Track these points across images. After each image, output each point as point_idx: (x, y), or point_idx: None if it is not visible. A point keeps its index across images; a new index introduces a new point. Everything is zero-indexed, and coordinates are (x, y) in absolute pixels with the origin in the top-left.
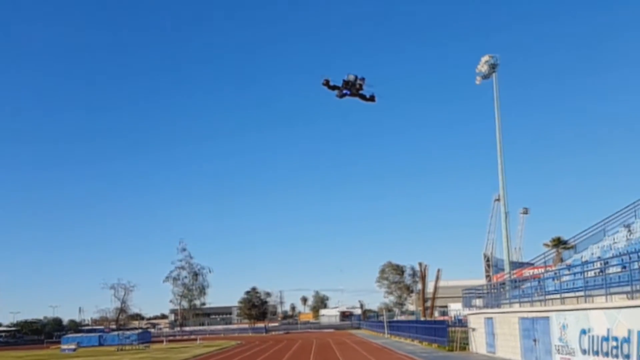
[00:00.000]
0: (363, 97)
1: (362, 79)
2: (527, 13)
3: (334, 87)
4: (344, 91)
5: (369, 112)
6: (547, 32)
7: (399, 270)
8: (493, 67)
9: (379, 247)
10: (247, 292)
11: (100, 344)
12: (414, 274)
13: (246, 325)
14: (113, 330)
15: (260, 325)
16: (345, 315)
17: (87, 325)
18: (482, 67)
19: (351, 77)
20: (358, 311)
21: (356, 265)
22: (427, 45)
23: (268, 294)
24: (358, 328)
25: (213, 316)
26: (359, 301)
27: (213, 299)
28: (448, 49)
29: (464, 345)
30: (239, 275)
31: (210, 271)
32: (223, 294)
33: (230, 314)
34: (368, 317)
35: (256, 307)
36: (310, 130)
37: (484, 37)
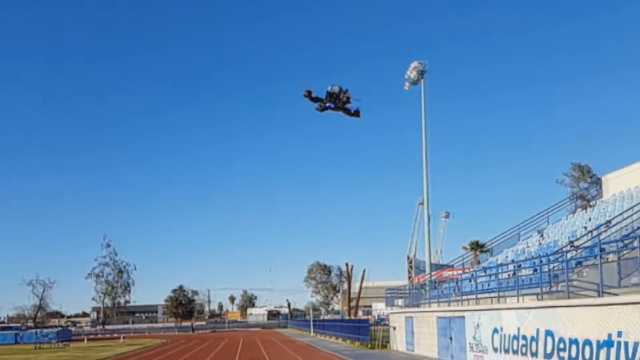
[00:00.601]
0: (347, 111)
1: (347, 91)
2: (459, 22)
3: (316, 99)
4: (327, 104)
5: (301, 111)
6: (477, 44)
7: (327, 270)
8: (421, 73)
9: (308, 247)
10: (174, 291)
11: (17, 342)
12: (340, 274)
13: (172, 324)
14: (30, 328)
15: (187, 324)
16: (272, 315)
17: (3, 322)
18: (411, 73)
19: (335, 89)
20: (285, 310)
21: (285, 265)
22: (358, 47)
23: (195, 293)
24: (285, 327)
25: (138, 315)
26: (287, 300)
27: (138, 297)
28: (379, 52)
29: (385, 343)
30: (166, 273)
31: (135, 268)
32: (149, 292)
33: (156, 312)
34: (295, 316)
35: (183, 305)
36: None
37: (414, 43)
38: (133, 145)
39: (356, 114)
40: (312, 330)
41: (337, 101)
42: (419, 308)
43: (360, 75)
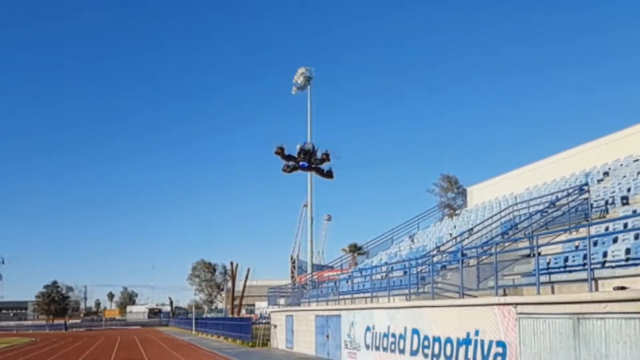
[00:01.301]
0: (321, 171)
1: (327, 151)
2: (347, 29)
3: (289, 157)
4: (301, 163)
5: (176, 111)
6: (359, 56)
7: (211, 268)
8: (308, 79)
9: (193, 245)
10: (47, 286)
11: None
12: (225, 273)
13: (43, 322)
14: None
15: (60, 321)
16: (153, 312)
17: None
18: (298, 79)
19: (309, 146)
20: (167, 308)
21: (168, 262)
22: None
23: (70, 289)
24: (166, 325)
25: (5, 311)
26: (169, 298)
27: (6, 293)
28: (267, 56)
29: (266, 341)
30: (39, 268)
31: (3, 262)
32: (18, 287)
33: (26, 309)
34: (177, 315)
35: (56, 302)
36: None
37: (302, 48)
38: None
39: (329, 174)
40: (194, 328)
41: (312, 160)
42: (299, 307)
43: (249, 77)
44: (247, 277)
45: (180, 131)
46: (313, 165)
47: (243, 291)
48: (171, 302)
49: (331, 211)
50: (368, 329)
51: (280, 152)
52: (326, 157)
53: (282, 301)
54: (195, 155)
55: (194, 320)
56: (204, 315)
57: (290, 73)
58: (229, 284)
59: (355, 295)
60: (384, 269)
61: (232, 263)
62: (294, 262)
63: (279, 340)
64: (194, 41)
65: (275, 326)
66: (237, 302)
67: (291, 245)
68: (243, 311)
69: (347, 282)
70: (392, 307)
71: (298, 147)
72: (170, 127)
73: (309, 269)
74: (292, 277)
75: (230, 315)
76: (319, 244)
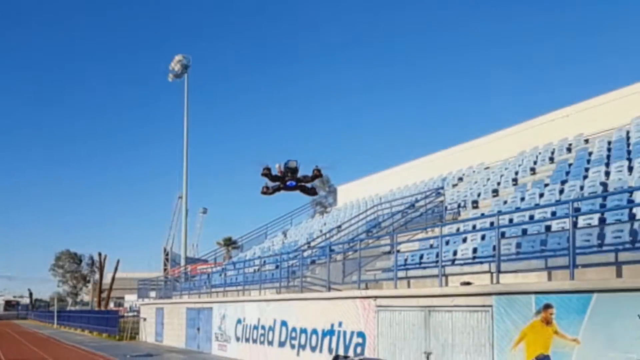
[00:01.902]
0: (306, 189)
1: (319, 169)
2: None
3: (276, 178)
4: (288, 183)
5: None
6: (239, 48)
7: (77, 259)
8: (185, 67)
9: (56, 234)
10: None
11: None
12: (92, 264)
13: None
14: None
15: None
16: (10, 305)
17: None
18: (175, 66)
19: (293, 164)
20: (26, 300)
21: (29, 252)
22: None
23: None
24: (25, 318)
25: None
26: (28, 290)
27: None
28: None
29: (134, 335)
30: None
31: None
32: None
33: None
34: (37, 307)
35: None
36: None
37: (179, 35)
38: None
39: (313, 191)
40: (56, 321)
41: (301, 178)
42: (170, 299)
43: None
44: (116, 269)
45: (50, 112)
46: (300, 184)
47: (111, 283)
48: (30, 294)
49: (208, 204)
50: (239, 321)
51: (268, 173)
52: (318, 173)
53: (153, 294)
54: (62, 140)
55: (55, 313)
56: (68, 308)
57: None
58: (96, 276)
59: (227, 289)
60: (256, 262)
61: (99, 254)
62: (167, 255)
63: (148, 334)
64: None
65: (144, 319)
66: (104, 294)
67: (164, 238)
68: (111, 304)
69: (220, 275)
70: (263, 300)
71: (277, 166)
72: (36, 110)
73: (182, 262)
74: (165, 269)
75: (96, 308)
76: (193, 237)
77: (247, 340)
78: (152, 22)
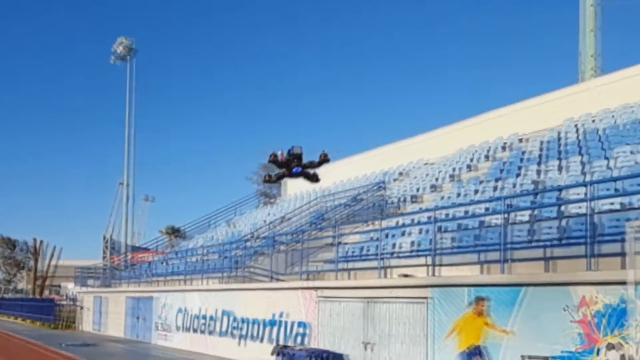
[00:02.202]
0: (309, 176)
1: (326, 154)
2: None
3: (282, 164)
4: (294, 169)
5: None
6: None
7: (11, 244)
8: (129, 50)
9: None
10: None
11: None
12: (27, 250)
13: None
14: None
15: None
16: None
17: None
18: (118, 48)
19: (298, 150)
20: None
21: None
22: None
23: None
24: None
25: None
26: None
27: None
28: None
29: (71, 323)
30: None
31: None
32: None
33: None
34: None
35: None
36: None
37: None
38: None
39: (316, 178)
40: None
41: (309, 164)
42: (111, 288)
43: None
44: (52, 256)
45: None
46: (305, 171)
47: (47, 271)
48: None
49: (152, 192)
50: (180, 310)
51: (275, 159)
52: (325, 158)
53: (92, 282)
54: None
55: None
56: (1, 296)
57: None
58: (32, 263)
59: (169, 278)
60: (200, 252)
61: (35, 240)
62: (107, 242)
63: (86, 323)
64: None
65: (82, 308)
66: (41, 282)
67: (105, 225)
68: (47, 292)
69: (163, 264)
70: (205, 290)
71: (280, 153)
72: None
73: (123, 250)
74: (105, 257)
75: (31, 296)
76: (136, 225)
77: (188, 329)
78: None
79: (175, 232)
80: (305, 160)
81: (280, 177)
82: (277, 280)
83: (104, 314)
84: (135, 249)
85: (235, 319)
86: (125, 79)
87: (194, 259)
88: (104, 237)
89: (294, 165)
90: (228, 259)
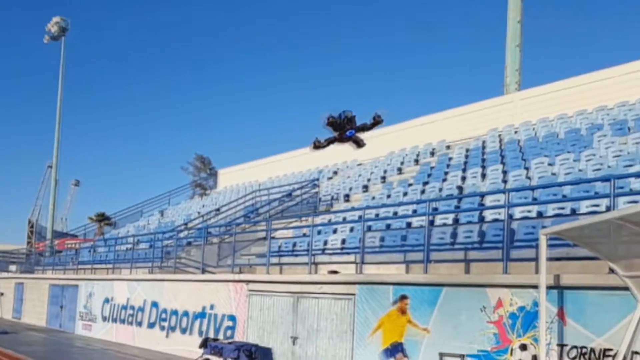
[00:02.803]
0: (357, 142)
1: (379, 115)
2: None
3: (338, 127)
4: (348, 132)
5: None
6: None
7: None
8: (63, 30)
9: None
10: None
11: None
12: None
13: None
14: None
15: None
16: None
17: None
18: (52, 27)
19: (349, 114)
20: None
21: None
22: None
23: None
24: None
25: None
26: None
27: None
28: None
29: None
30: None
31: None
32: None
33: None
34: None
35: None
36: None
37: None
38: None
39: (362, 143)
40: None
41: (362, 127)
42: (32, 274)
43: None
44: None
45: None
46: (355, 136)
47: None
48: None
49: (83, 178)
50: (107, 300)
51: (333, 121)
52: (379, 119)
53: (13, 268)
54: None
55: None
56: None
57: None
58: None
59: (96, 266)
60: (130, 240)
61: None
62: (32, 227)
63: (5, 310)
64: None
65: (2, 294)
66: None
67: (31, 208)
68: None
69: (90, 251)
70: (133, 280)
71: (327, 116)
72: None
73: (49, 235)
74: (29, 242)
75: None
76: (63, 210)
77: (115, 320)
78: None
79: (105, 220)
80: (358, 123)
81: (331, 142)
82: (208, 272)
83: (25, 301)
84: (62, 235)
85: (163, 310)
86: (59, 59)
87: (123, 248)
88: (29, 221)
89: (347, 128)
90: (158, 249)
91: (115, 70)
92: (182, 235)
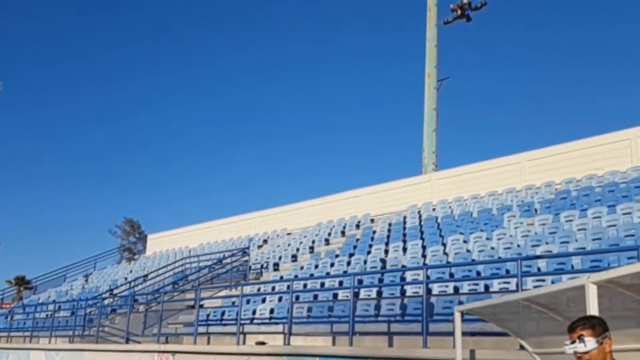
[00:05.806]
0: (468, 18)
1: None
2: None
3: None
4: (466, 12)
5: None
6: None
7: None
8: None
9: None
10: None
11: None
12: None
13: None
14: None
15: None
16: None
17: None
18: None
19: None
20: None
21: None
22: None
23: None
24: None
25: None
26: None
27: None
28: None
29: None
30: None
31: None
32: None
33: None
34: None
35: None
36: None
37: None
38: None
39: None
40: None
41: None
42: None
43: None
44: None
45: None
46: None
47: None
48: None
49: (3, 239)
50: None
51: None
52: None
53: None
54: None
55: None
56: None
57: None
58: None
59: (12, 333)
60: (50, 307)
61: None
62: None
63: None
64: None
65: None
66: None
67: None
68: None
69: (7, 318)
70: (51, 349)
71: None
72: None
73: None
74: None
75: None
76: None
77: None
78: None
79: (25, 284)
80: None
81: (457, 18)
82: (132, 341)
83: None
84: None
85: None
86: None
87: (42, 315)
88: None
89: (466, 8)
90: (80, 317)
91: (44, 115)
92: (106, 302)
